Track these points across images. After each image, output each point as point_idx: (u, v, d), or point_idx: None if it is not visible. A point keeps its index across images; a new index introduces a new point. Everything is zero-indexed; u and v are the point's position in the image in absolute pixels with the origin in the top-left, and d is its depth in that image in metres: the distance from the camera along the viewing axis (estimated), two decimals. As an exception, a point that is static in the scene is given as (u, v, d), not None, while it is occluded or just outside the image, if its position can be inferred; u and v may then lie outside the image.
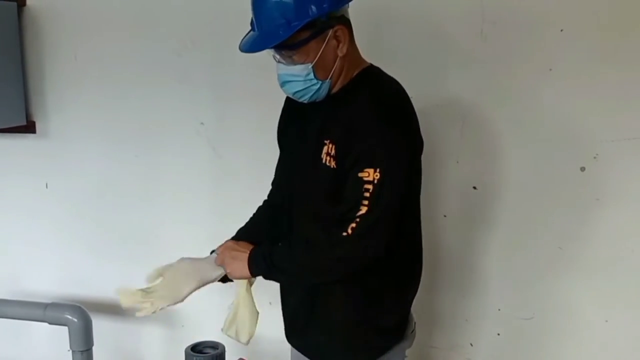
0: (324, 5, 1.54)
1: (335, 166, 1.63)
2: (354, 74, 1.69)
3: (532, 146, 2.31)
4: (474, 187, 2.40)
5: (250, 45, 1.60)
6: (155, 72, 2.65)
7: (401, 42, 2.36)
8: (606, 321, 2.36)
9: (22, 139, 2.88)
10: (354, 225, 1.56)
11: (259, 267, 1.71)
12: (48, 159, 2.89)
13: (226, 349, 2.26)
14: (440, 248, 2.48)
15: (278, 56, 1.62)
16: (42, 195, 2.92)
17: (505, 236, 2.41)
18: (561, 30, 2.20)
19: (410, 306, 1.89)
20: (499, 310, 2.47)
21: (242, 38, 1.65)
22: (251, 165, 2.54)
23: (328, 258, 1.65)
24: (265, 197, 2.00)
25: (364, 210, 1.56)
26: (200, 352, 2.22)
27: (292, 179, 1.81)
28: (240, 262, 1.73)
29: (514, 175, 2.35)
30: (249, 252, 1.73)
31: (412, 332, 1.90)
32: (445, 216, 2.45)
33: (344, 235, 1.58)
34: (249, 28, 1.66)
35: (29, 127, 2.84)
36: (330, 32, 1.58)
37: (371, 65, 1.74)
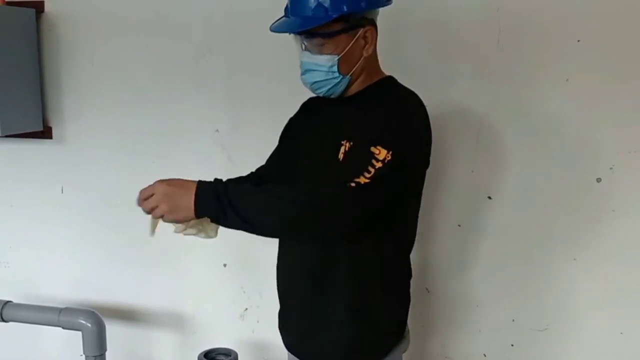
0: (362, 4, 1.61)
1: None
2: (375, 80, 1.74)
3: (548, 157, 2.30)
4: (489, 197, 2.39)
5: (285, 26, 1.65)
6: (171, 78, 2.67)
7: (417, 51, 2.37)
8: (621, 333, 2.34)
9: (38, 144, 2.90)
10: (352, 184, 1.50)
11: (208, 204, 1.50)
12: (64, 164, 2.90)
13: (239, 356, 2.27)
14: (454, 257, 2.48)
15: (307, 44, 1.67)
16: (58, 201, 2.93)
17: (519, 246, 2.39)
18: (578, 41, 2.20)
19: (408, 310, 1.89)
20: (513, 321, 2.45)
21: (272, 23, 1.69)
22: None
23: (289, 206, 1.50)
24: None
25: (362, 180, 1.51)
26: (213, 359, 2.23)
27: (308, 178, 1.78)
28: (184, 197, 1.51)
29: (529, 186, 2.34)
30: (195, 186, 1.51)
31: (407, 334, 1.90)
32: (459, 226, 2.44)
33: (320, 192, 1.53)
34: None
35: (45, 133, 2.86)
36: (361, 30, 1.65)
37: (391, 76, 1.78)
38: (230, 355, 2.24)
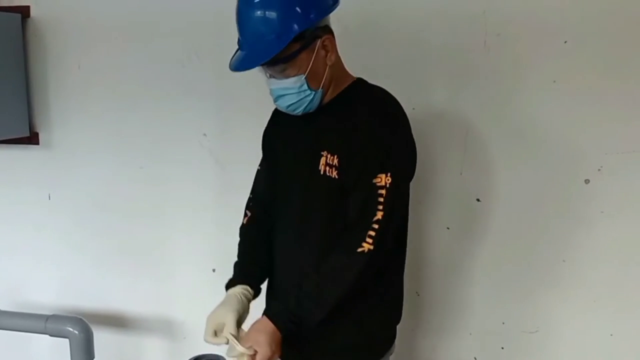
0: (311, 16, 1.57)
1: (337, 176, 1.65)
2: (345, 86, 1.73)
3: (536, 158, 2.30)
4: (478, 199, 2.39)
5: (243, 63, 1.62)
6: (158, 82, 2.65)
7: (404, 53, 2.36)
8: (611, 335, 2.34)
9: (25, 150, 2.88)
10: (372, 233, 1.58)
11: (291, 330, 1.66)
12: (51, 170, 2.88)
13: (228, 362, 2.25)
14: (444, 260, 2.47)
15: (270, 72, 1.64)
16: (45, 207, 2.91)
17: (509, 249, 2.39)
18: (565, 42, 2.20)
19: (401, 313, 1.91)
20: (503, 323, 2.45)
21: (231, 58, 1.67)
22: (254, 177, 2.54)
23: (353, 278, 1.63)
24: (248, 213, 1.98)
25: (379, 215, 1.58)
26: (203, 365, 2.21)
27: (288, 192, 1.81)
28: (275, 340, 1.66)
29: (517, 188, 2.34)
30: (270, 323, 1.66)
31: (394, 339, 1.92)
32: (448, 228, 2.44)
33: (362, 252, 1.59)
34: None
35: (32, 139, 2.84)
36: (319, 42, 1.62)
37: (360, 78, 1.77)
38: (222, 360, 2.22)
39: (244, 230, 1.95)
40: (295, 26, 1.55)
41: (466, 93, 2.33)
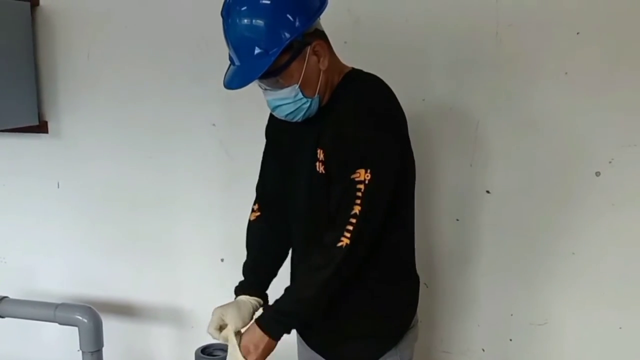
0: (297, 25, 1.55)
1: (324, 171, 1.66)
2: (337, 81, 1.71)
3: (546, 150, 2.29)
4: (488, 191, 2.38)
5: (235, 82, 1.61)
6: (168, 72, 2.65)
7: (415, 44, 2.34)
8: (620, 328, 2.33)
9: (34, 138, 2.88)
10: (350, 227, 1.57)
11: (277, 330, 1.72)
12: (60, 159, 2.89)
13: (236, 351, 2.25)
14: (453, 252, 2.47)
15: (264, 84, 1.64)
16: (54, 195, 2.92)
17: (518, 241, 2.38)
18: (577, 34, 2.18)
19: (416, 300, 1.91)
20: (512, 315, 2.44)
21: (224, 73, 1.67)
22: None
23: (332, 276, 1.64)
24: (255, 207, 2.00)
25: (356, 210, 1.57)
26: (211, 354, 2.21)
27: (295, 188, 1.81)
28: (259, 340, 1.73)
29: (527, 180, 2.33)
30: (257, 326, 1.72)
31: (417, 323, 1.92)
32: (457, 220, 2.43)
33: (340, 247, 1.59)
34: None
35: (41, 127, 2.84)
36: (309, 49, 1.60)
37: (352, 69, 1.75)
38: (227, 351, 2.23)
39: (251, 228, 1.99)
40: (282, 38, 1.54)
41: (477, 84, 2.31)
